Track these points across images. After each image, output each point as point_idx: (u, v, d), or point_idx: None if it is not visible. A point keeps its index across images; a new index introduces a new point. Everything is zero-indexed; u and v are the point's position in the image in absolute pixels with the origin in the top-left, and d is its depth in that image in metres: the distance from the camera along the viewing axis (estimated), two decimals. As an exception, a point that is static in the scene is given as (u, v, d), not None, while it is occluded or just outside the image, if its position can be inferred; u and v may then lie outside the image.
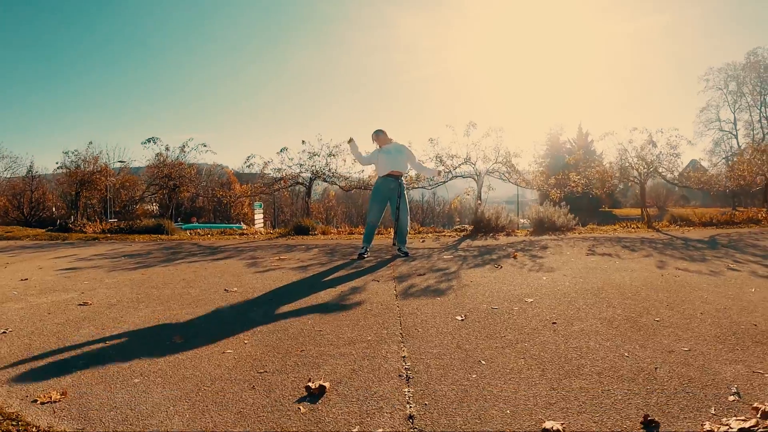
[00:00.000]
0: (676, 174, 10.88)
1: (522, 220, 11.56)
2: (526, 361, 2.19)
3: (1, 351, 2.52)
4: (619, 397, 1.81)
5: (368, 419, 1.70)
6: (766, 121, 33.00)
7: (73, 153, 12.99)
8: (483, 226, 8.66)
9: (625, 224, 9.65)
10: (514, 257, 5.33)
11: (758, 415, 1.66)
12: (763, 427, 1.60)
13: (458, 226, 9.90)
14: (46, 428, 1.69)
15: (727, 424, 1.62)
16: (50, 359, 2.39)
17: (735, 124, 34.25)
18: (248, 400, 1.87)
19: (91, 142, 13.62)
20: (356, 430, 1.62)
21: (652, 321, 2.76)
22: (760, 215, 10.18)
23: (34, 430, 1.68)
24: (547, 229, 8.66)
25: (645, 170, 10.71)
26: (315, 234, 9.66)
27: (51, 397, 1.94)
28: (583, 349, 2.33)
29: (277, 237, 9.47)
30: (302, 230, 9.92)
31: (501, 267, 4.71)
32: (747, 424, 1.62)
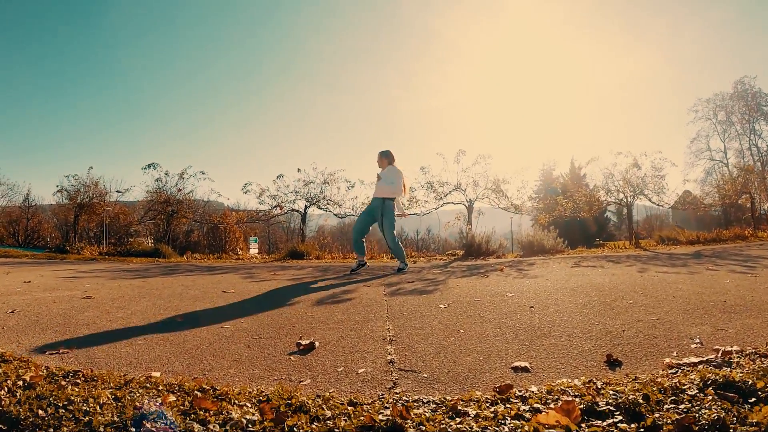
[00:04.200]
0: (662, 196, 11.07)
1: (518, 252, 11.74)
2: (501, 330, 2.37)
3: (9, 323, 2.67)
4: (586, 349, 1.99)
5: (352, 364, 1.87)
6: (756, 149, 33.04)
7: (73, 177, 13.21)
8: (474, 250, 8.85)
9: (613, 245, 9.86)
10: (501, 270, 5.52)
11: (719, 354, 1.84)
12: (722, 359, 1.77)
13: (450, 251, 10.09)
14: (55, 368, 1.84)
15: (686, 360, 1.80)
16: (57, 328, 2.54)
17: (725, 152, 33.86)
18: (243, 353, 2.04)
19: (91, 167, 13.87)
20: (341, 369, 1.79)
21: (625, 304, 2.95)
22: (747, 232, 10.31)
23: (43, 369, 1.83)
24: (536, 252, 8.87)
25: (631, 192, 11.01)
26: (309, 258, 9.81)
27: (59, 350, 2.10)
28: (556, 322, 2.52)
29: (272, 261, 9.62)
30: (297, 255, 10.07)
31: (487, 276, 4.89)
32: (706, 358, 1.80)
